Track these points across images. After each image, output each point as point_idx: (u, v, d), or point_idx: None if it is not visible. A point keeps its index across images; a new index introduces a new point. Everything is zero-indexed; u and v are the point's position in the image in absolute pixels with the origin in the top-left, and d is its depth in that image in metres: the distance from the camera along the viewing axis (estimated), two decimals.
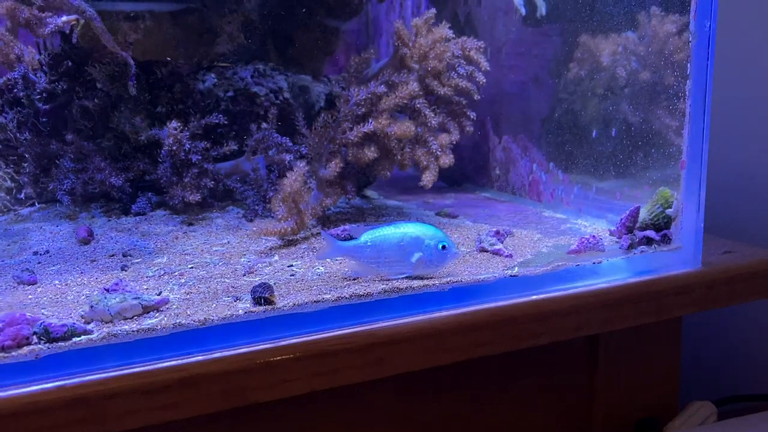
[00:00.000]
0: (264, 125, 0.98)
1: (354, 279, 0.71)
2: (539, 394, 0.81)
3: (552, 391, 0.81)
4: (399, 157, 0.91)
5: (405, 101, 0.89)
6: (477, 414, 0.78)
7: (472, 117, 1.01)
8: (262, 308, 0.62)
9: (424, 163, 0.93)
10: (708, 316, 1.06)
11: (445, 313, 0.67)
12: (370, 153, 0.88)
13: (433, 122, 0.92)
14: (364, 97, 0.87)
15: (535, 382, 0.80)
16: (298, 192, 0.84)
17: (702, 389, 1.04)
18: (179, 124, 0.95)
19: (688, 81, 0.76)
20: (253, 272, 0.74)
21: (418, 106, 0.92)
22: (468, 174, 1.34)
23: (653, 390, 0.86)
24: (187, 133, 0.95)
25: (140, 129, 0.99)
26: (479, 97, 1.00)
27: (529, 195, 1.14)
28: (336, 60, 1.24)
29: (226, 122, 0.97)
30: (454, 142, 0.97)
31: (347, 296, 0.65)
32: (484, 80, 1.00)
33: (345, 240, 0.75)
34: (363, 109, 0.88)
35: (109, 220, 0.97)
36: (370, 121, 0.88)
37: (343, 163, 0.88)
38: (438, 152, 0.92)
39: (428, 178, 0.92)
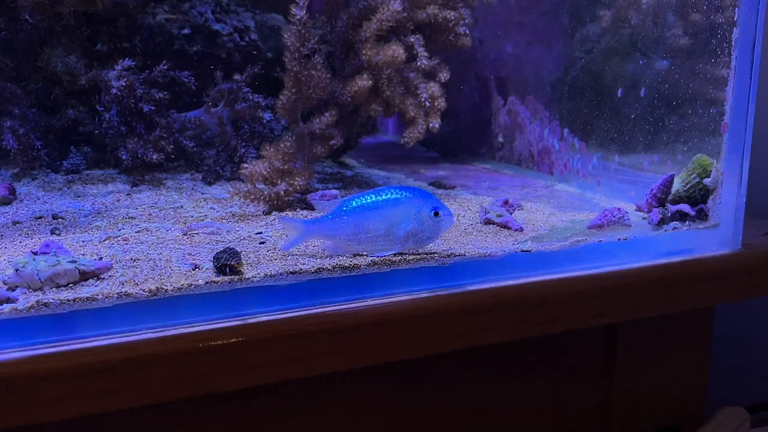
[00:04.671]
0: (237, 77, 0.95)
1: None
2: (546, 394, 0.80)
3: (561, 390, 0.81)
4: (388, 93, 0.89)
5: (390, 24, 0.87)
6: (474, 414, 0.77)
7: (463, 33, 0.98)
8: (226, 278, 0.60)
9: (411, 113, 0.91)
10: (742, 308, 1.07)
11: (444, 293, 0.65)
12: (364, 82, 0.87)
13: (424, 62, 0.91)
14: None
15: (542, 380, 0.79)
16: (286, 151, 0.84)
17: (733, 393, 1.05)
18: (132, 63, 0.91)
19: (735, 29, 0.75)
20: (191, 233, 0.73)
21: (412, 41, 0.90)
22: (465, 143, 1.34)
23: (678, 392, 0.86)
24: (141, 77, 0.92)
25: (76, 70, 0.96)
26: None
27: (538, 166, 1.13)
28: None
29: (194, 86, 0.94)
30: (445, 80, 0.95)
31: (329, 268, 0.63)
32: None
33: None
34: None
35: (35, 179, 0.93)
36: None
37: (336, 110, 0.87)
38: (427, 103, 0.90)
39: (412, 134, 0.90)
